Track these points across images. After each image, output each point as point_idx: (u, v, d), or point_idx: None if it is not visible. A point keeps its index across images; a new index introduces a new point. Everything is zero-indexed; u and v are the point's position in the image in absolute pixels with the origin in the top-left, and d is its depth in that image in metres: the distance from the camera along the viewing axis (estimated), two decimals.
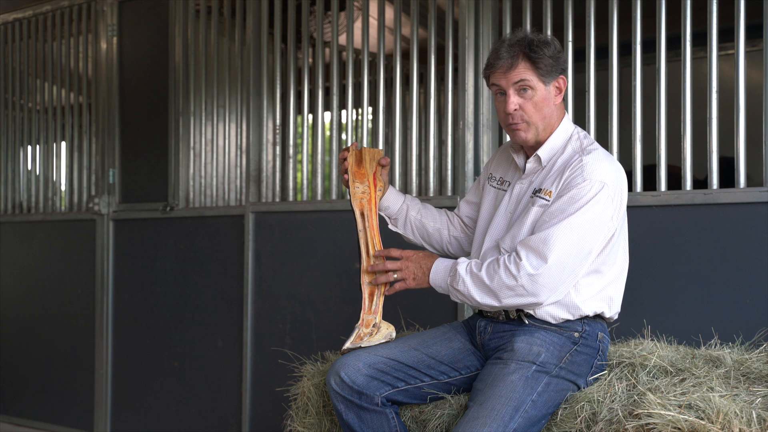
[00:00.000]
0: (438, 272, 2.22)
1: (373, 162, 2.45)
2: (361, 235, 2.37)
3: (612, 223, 2.14)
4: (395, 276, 2.25)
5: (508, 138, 2.59)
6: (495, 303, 2.14)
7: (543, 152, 2.25)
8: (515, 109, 2.19)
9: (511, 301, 2.13)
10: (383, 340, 2.31)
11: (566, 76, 2.25)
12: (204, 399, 3.93)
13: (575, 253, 2.09)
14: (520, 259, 2.09)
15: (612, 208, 2.12)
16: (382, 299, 2.32)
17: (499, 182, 2.40)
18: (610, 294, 2.23)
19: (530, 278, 2.08)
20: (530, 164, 2.28)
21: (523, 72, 2.17)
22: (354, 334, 2.30)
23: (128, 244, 4.24)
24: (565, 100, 2.96)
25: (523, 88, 2.18)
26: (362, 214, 2.39)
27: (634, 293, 2.58)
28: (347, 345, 2.28)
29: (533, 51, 2.16)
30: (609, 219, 2.12)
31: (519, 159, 2.34)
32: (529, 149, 2.30)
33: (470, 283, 2.15)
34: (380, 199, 2.46)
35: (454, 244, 2.54)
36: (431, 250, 2.56)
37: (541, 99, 2.19)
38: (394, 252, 2.28)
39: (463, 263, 2.19)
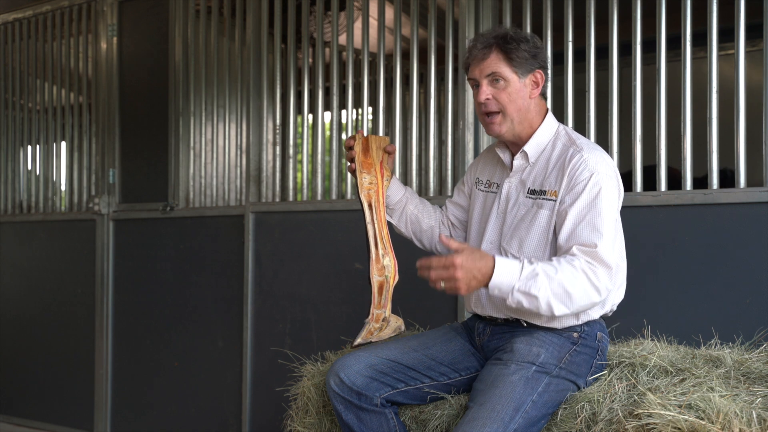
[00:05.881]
0: (503, 274, 1.99)
1: (379, 150, 2.41)
2: (369, 227, 2.33)
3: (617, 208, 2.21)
4: (443, 285, 2.00)
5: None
6: (566, 310, 2.04)
7: (529, 148, 2.25)
8: (487, 98, 2.20)
9: (579, 309, 2.09)
10: (393, 334, 2.30)
11: (545, 73, 2.24)
12: (204, 399, 3.93)
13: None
14: (599, 272, 2.05)
15: (618, 196, 2.18)
16: (391, 292, 2.30)
17: (486, 185, 2.40)
18: (615, 281, 2.23)
19: (607, 291, 2.09)
20: (517, 161, 2.29)
21: (496, 63, 2.19)
22: (365, 330, 2.27)
23: (128, 244, 4.24)
24: (564, 99, 2.97)
25: (495, 79, 2.19)
26: (370, 206, 2.35)
27: (634, 293, 2.57)
28: (358, 340, 2.26)
29: (507, 43, 2.18)
30: (617, 207, 2.19)
31: (505, 156, 2.34)
32: (513, 146, 2.31)
33: (547, 286, 2.00)
34: (387, 189, 2.44)
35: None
36: (419, 246, 2.55)
37: (515, 91, 2.20)
38: (436, 261, 2.00)
39: (534, 263, 2.03)
